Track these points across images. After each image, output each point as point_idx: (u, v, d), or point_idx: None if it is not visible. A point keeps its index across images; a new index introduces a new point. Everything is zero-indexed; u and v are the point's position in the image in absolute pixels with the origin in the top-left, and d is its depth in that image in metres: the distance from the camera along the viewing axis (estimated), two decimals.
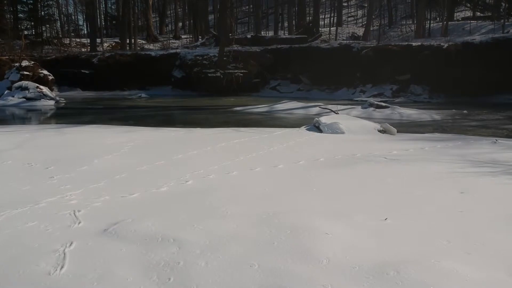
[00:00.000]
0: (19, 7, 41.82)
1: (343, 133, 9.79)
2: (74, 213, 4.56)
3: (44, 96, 19.32)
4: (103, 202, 5.01)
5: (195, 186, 5.62)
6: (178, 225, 4.09)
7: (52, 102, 19.51)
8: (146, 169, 6.53)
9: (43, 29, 41.39)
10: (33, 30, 40.99)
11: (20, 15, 42.48)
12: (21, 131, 10.50)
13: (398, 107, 15.79)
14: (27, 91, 19.02)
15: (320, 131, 10.21)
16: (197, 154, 7.67)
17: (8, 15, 42.06)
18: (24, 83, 19.43)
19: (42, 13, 41.84)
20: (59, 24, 48.93)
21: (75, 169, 6.54)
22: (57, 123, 14.25)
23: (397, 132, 10.43)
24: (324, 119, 10.51)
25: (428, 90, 22.10)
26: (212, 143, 8.72)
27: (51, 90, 21.15)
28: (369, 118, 14.15)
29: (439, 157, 7.29)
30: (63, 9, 50.62)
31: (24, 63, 20.80)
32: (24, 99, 18.88)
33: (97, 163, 6.94)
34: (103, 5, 53.11)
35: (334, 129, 9.90)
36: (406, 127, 12.55)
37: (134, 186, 5.63)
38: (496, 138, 8.94)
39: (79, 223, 4.27)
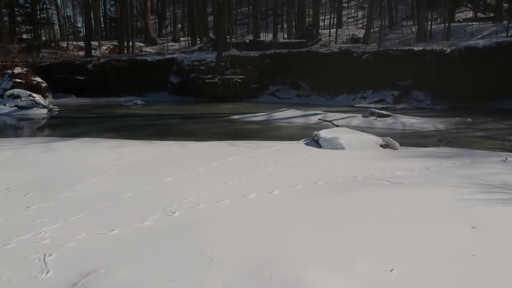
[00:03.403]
0: (16, 10, 41.40)
1: (343, 148, 9.31)
2: (44, 258, 4.09)
3: (37, 104, 18.83)
4: (79, 241, 4.53)
5: (182, 219, 5.15)
6: (157, 279, 3.62)
7: (44, 111, 19.03)
8: (131, 197, 6.06)
9: (41, 32, 40.98)
10: (32, 34, 40.57)
11: (18, 18, 42.06)
12: (6, 147, 10.03)
13: (400, 115, 15.32)
14: (19, 100, 18.55)
15: (319, 145, 9.74)
16: (188, 176, 7.19)
17: (6, 18, 41.70)
18: (16, 91, 18.96)
19: (40, 16, 41.45)
20: (57, 27, 48.66)
21: (55, 196, 6.07)
22: (46, 135, 13.78)
23: (400, 145, 9.96)
24: (323, 133, 10.04)
25: (431, 96, 21.61)
26: (205, 161, 8.25)
27: (45, 97, 20.69)
28: (370, 128, 13.74)
29: (446, 179, 6.80)
30: (62, 11, 50.23)
31: (17, 70, 20.33)
32: (16, 107, 18.40)
33: (80, 189, 6.47)
34: (102, 7, 52.76)
35: (334, 145, 9.42)
36: (409, 138, 12.10)
37: (115, 218, 5.17)
38: (506, 156, 8.45)
39: (47, 272, 3.80)
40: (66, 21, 51.96)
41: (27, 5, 40.15)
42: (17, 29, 41.04)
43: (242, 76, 26.15)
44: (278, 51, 27.86)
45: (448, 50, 21.71)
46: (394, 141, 9.84)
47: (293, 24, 39.16)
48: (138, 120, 18.27)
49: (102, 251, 4.25)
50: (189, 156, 8.94)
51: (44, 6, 43.00)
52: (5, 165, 8.02)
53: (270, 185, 6.58)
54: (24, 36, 41.93)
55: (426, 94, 21.77)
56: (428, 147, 10.78)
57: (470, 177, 6.97)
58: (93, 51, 35.11)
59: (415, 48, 23.09)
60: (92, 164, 8.09)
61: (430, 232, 4.62)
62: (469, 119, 15.59)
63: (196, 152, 9.41)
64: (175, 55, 29.40)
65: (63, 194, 6.20)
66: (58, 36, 46.16)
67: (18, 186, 6.59)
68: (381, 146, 9.73)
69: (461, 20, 36.80)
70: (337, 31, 37.30)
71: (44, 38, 41.60)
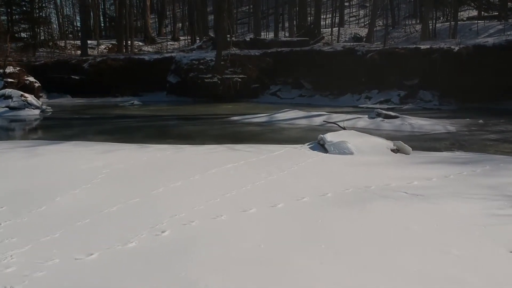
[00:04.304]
0: (14, 8, 40.77)
1: (351, 154, 8.60)
2: None
3: (29, 105, 18.12)
4: (50, 269, 3.83)
5: (172, 240, 4.45)
6: None
7: (37, 112, 18.33)
8: (116, 211, 5.35)
9: (39, 31, 40.32)
10: (30, 33, 39.92)
11: (15, 16, 41.43)
12: None
13: (408, 116, 14.60)
14: (10, 100, 17.84)
15: (325, 150, 9.03)
16: (182, 186, 6.48)
17: (5, 17, 41.08)
18: (8, 91, 18.25)
19: (39, 14, 40.79)
20: (56, 26, 48.06)
21: (31, 211, 5.38)
22: (35, 138, 13.08)
23: (412, 149, 9.25)
24: (329, 137, 9.32)
25: (438, 96, 20.86)
26: (201, 168, 7.54)
27: (38, 97, 19.99)
28: (377, 130, 13.07)
29: (469, 190, 6.09)
30: (61, 10, 49.54)
31: (9, 69, 19.62)
32: (7, 108, 17.70)
33: (60, 202, 5.76)
34: (102, 6, 52.11)
35: (341, 149, 8.71)
36: (419, 141, 11.40)
37: (96, 239, 4.47)
38: None
39: None
40: (66, 20, 51.32)
41: (24, 3, 39.44)
42: (15, 28, 40.39)
43: (243, 76, 25.41)
44: (279, 49, 27.09)
45: (456, 48, 20.96)
46: (406, 145, 9.12)
47: (294, 22, 38.44)
48: (133, 122, 17.56)
49: (75, 283, 3.56)
50: (184, 162, 8.23)
51: (42, 5, 42.33)
52: None
53: (273, 197, 5.87)
54: (22, 34, 41.34)
55: (433, 94, 21.03)
56: (441, 151, 10.07)
57: (496, 187, 6.26)
58: (91, 51, 34.44)
59: (422, 47, 22.34)
60: (77, 172, 7.39)
61: (461, 258, 3.92)
62: (481, 121, 14.88)
63: (192, 158, 8.71)
64: (173, 54, 28.66)
65: (41, 207, 5.51)
66: (58, 35, 45.52)
67: None
68: (392, 150, 9.02)
69: (465, 18, 36.07)
70: (339, 29, 36.59)
71: (42, 37, 40.93)
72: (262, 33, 38.25)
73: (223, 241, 4.37)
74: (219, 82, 24.92)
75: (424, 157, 8.88)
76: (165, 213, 5.22)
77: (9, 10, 40.43)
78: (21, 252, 4.20)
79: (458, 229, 4.58)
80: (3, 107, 17.72)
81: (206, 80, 24.92)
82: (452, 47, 21.28)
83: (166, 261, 3.92)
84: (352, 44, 29.38)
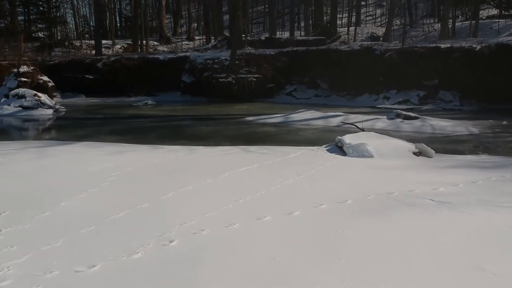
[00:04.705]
0: (31, 8, 41.14)
1: (371, 156, 8.20)
2: None
3: (42, 104, 18.02)
4: (47, 283, 3.55)
5: (180, 251, 4.12)
6: None
7: (50, 111, 18.22)
8: (123, 218, 5.05)
9: (55, 31, 40.61)
10: (46, 32, 40.21)
11: (32, 16, 41.79)
12: None
13: (428, 117, 14.10)
14: (23, 100, 17.76)
15: (343, 153, 8.64)
16: (193, 190, 6.16)
17: (22, 17, 41.43)
18: (21, 90, 18.17)
19: (55, 14, 41.08)
20: (73, 26, 48.35)
21: (34, 216, 5.11)
22: (47, 139, 12.92)
23: (435, 152, 8.81)
24: (348, 138, 8.93)
25: (459, 97, 20.26)
26: (214, 171, 7.21)
27: (52, 97, 19.90)
28: (396, 131, 12.67)
29: (500, 198, 5.65)
30: (77, 10, 49.83)
31: (23, 68, 19.58)
32: (20, 108, 17.62)
33: (65, 206, 5.49)
34: (118, 6, 52.30)
35: (360, 152, 8.31)
36: (441, 143, 10.94)
37: (99, 249, 4.18)
38: None
39: None
40: (82, 20, 51.62)
41: (41, 3, 39.72)
42: (32, 28, 40.74)
43: (257, 75, 25.03)
44: (295, 48, 26.66)
45: (478, 47, 20.32)
46: (428, 148, 8.69)
47: (310, 22, 37.98)
48: (146, 122, 17.36)
49: None
50: (197, 165, 7.92)
51: (59, 5, 42.62)
52: None
53: (289, 203, 5.52)
54: (39, 34, 41.70)
55: (454, 94, 20.43)
56: (466, 154, 9.62)
57: None
58: (107, 50, 34.44)
59: (442, 45, 21.74)
60: (86, 174, 7.12)
61: (499, 277, 3.51)
62: (504, 122, 14.32)
63: (205, 160, 8.39)
64: (187, 54, 28.40)
65: (44, 213, 5.24)
66: (74, 35, 45.79)
67: None
68: (414, 153, 8.59)
69: (484, 17, 35.26)
70: (355, 29, 36.03)
71: (58, 37, 41.18)
72: (278, 33, 37.87)
73: (235, 253, 4.04)
74: (233, 81, 24.61)
75: (448, 161, 8.44)
76: (174, 220, 4.91)
77: (26, 10, 40.78)
78: (19, 263, 3.92)
79: (494, 243, 4.16)
80: (16, 107, 17.65)
81: (220, 79, 24.63)
82: (474, 46, 20.65)
83: (172, 276, 3.61)
84: (369, 43, 28.83)
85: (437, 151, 9.11)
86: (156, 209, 5.35)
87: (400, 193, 5.93)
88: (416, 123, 13.37)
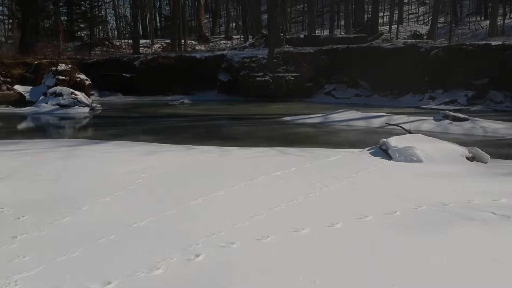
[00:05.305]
0: (74, 8, 42.12)
1: (420, 161, 7.49)
2: None
3: (79, 102, 18.10)
4: None
5: (206, 267, 3.64)
6: None
7: (86, 110, 18.28)
8: (146, 226, 4.61)
9: (97, 30, 41.41)
10: (88, 32, 41.04)
11: (75, 16, 42.79)
12: (28, 151, 8.96)
13: (479, 119, 13.19)
14: (61, 98, 17.89)
15: (388, 156, 7.97)
16: (224, 196, 5.68)
17: (64, 17, 42.45)
18: (59, 88, 18.32)
19: (97, 14, 41.88)
20: (114, 25, 49.26)
21: (53, 222, 4.75)
22: (80, 137, 12.80)
23: (490, 157, 8.02)
24: (394, 141, 8.24)
25: (511, 97, 19.09)
26: (247, 175, 6.71)
27: (89, 95, 20.03)
28: (444, 133, 11.87)
29: None
30: (118, 10, 50.66)
31: (60, 67, 19.77)
32: (57, 106, 17.75)
33: (86, 211, 5.12)
34: (158, 5, 52.90)
35: (408, 156, 7.62)
36: (494, 147, 10.09)
37: (117, 262, 3.75)
38: None
39: None
40: (123, 19, 52.47)
41: (82, 2, 40.57)
42: (75, 27, 41.71)
43: (296, 74, 24.44)
44: (335, 46, 25.90)
45: None
46: (483, 152, 7.91)
47: (351, 20, 37.03)
48: (181, 121, 17.13)
49: None
50: (229, 168, 7.44)
51: (101, 5, 43.43)
52: (14, 176, 6.82)
53: (329, 213, 4.94)
54: (81, 34, 42.65)
55: (505, 95, 19.27)
56: None
57: None
58: (146, 50, 34.69)
59: (493, 43, 20.53)
60: (112, 176, 6.77)
61: None
62: None
63: (238, 162, 7.91)
64: (224, 52, 28.15)
65: (64, 218, 4.87)
66: (115, 35, 46.58)
67: (14, 204, 5.35)
68: (467, 158, 7.83)
69: None
70: (398, 27, 34.88)
71: (98, 36, 41.97)
72: (317, 31, 37.13)
73: (267, 272, 3.52)
74: (271, 80, 24.12)
75: (506, 167, 7.65)
76: (202, 230, 4.43)
77: (69, 10, 41.75)
78: (28, 276, 3.54)
79: None
80: (53, 105, 17.79)
81: (257, 78, 24.20)
82: None
83: None
84: (414, 40, 27.71)
85: (492, 156, 8.33)
86: (183, 216, 4.89)
87: (456, 204, 5.25)
88: (466, 125, 12.51)
